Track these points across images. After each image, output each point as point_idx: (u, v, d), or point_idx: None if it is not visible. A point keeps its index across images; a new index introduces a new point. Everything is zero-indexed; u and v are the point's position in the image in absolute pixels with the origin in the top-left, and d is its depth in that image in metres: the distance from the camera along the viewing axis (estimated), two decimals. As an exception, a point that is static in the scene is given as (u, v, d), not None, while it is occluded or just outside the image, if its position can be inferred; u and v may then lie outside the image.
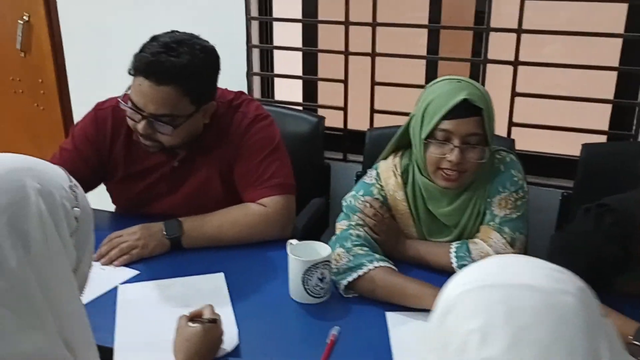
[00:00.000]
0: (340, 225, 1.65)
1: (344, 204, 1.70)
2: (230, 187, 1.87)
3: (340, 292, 1.54)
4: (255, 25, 2.64)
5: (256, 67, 2.70)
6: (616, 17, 2.31)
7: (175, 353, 1.25)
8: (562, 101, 2.35)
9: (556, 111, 2.45)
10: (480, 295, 0.71)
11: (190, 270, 1.65)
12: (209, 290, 1.56)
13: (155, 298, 1.53)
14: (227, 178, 1.86)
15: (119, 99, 1.73)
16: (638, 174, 1.45)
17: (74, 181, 0.96)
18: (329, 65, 2.78)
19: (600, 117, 2.42)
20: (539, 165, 2.36)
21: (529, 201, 1.66)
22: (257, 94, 2.74)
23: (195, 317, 1.31)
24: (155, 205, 1.90)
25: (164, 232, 1.73)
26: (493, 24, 2.31)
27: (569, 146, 2.39)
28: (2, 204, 0.81)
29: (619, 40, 2.25)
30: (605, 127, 2.37)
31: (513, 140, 2.17)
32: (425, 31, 2.54)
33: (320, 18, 2.63)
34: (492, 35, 2.32)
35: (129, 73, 1.67)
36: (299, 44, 2.70)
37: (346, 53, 2.53)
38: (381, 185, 1.69)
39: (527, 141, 2.34)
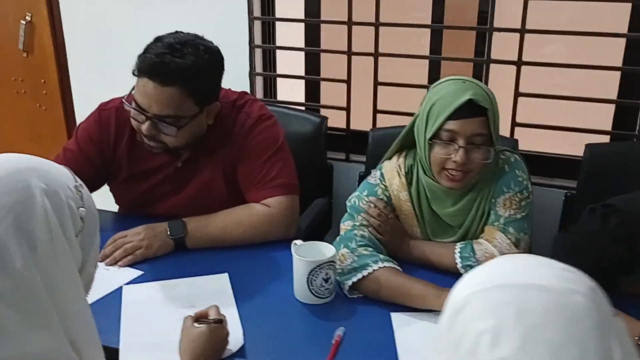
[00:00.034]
0: (345, 225, 1.65)
1: (348, 204, 1.70)
2: (234, 188, 1.87)
3: (345, 293, 1.54)
4: (257, 25, 2.64)
5: (259, 67, 2.70)
6: (617, 17, 2.31)
7: (181, 354, 1.25)
8: (565, 101, 2.35)
9: (559, 111, 2.45)
10: (491, 295, 0.71)
11: (194, 271, 1.65)
12: (214, 291, 1.56)
13: (160, 298, 1.53)
14: (231, 178, 1.86)
15: (123, 100, 1.73)
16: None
17: (79, 181, 0.96)
18: (331, 66, 2.78)
19: (603, 117, 2.42)
20: (542, 165, 2.36)
21: (533, 201, 1.66)
22: (259, 94, 2.74)
23: (200, 318, 1.31)
24: (159, 206, 1.90)
25: (168, 233, 1.73)
26: (495, 24, 2.31)
27: (572, 146, 2.39)
28: (7, 204, 0.80)
29: (622, 40, 2.25)
30: (609, 127, 2.37)
31: (516, 141, 2.17)
32: (427, 31, 2.54)
33: (322, 18, 2.63)
34: (494, 35, 2.32)
35: (133, 74, 1.67)
36: (302, 44, 2.70)
37: (349, 53, 2.53)
38: (385, 186, 1.69)
39: (530, 141, 2.34)
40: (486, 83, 2.36)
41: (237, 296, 1.54)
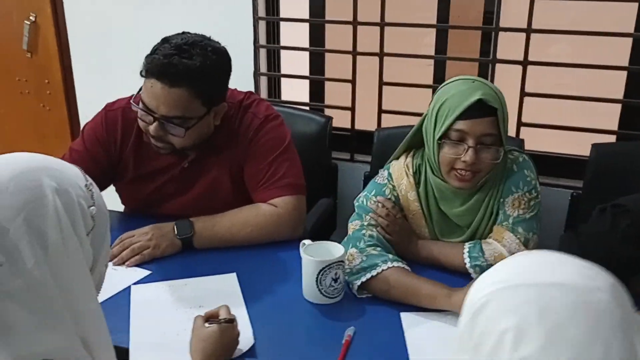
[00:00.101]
0: (353, 225, 1.65)
1: (356, 204, 1.70)
2: (240, 188, 1.86)
3: (354, 293, 1.54)
4: (262, 25, 2.64)
5: (263, 67, 2.70)
6: (621, 17, 2.30)
7: (191, 353, 1.25)
8: (571, 101, 2.35)
9: (565, 111, 2.45)
10: (512, 294, 0.71)
11: (201, 271, 1.65)
12: (222, 291, 1.56)
13: (168, 298, 1.53)
14: (237, 178, 1.86)
15: (131, 101, 1.73)
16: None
17: (90, 180, 0.96)
18: (335, 66, 2.78)
19: (609, 117, 2.42)
20: (548, 165, 2.36)
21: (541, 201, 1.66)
22: (263, 94, 2.74)
23: (211, 318, 1.31)
24: (165, 206, 1.90)
25: (176, 232, 1.73)
26: (499, 24, 2.31)
27: (578, 146, 2.39)
28: (19, 203, 0.80)
29: (627, 40, 2.24)
30: (615, 127, 2.36)
31: (522, 140, 2.17)
32: (430, 31, 2.54)
33: (327, 18, 2.63)
34: (499, 35, 2.32)
35: (141, 74, 1.67)
36: (306, 44, 2.70)
37: (354, 53, 2.53)
38: (393, 186, 1.69)
39: (535, 141, 2.34)
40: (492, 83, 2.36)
41: (245, 296, 1.54)
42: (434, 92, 2.51)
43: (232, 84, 1.86)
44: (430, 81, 2.56)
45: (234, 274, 1.63)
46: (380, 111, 2.56)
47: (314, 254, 1.50)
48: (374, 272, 1.50)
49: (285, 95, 2.85)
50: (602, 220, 1.47)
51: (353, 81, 2.56)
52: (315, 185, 2.10)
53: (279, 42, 2.74)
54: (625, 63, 2.28)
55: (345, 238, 1.63)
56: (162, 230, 1.74)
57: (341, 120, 2.59)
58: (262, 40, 2.66)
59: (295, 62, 2.81)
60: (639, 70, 2.25)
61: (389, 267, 1.50)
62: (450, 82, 1.59)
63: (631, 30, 2.23)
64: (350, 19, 2.48)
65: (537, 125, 2.37)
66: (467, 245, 1.60)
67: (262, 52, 2.68)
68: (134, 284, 1.59)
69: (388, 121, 2.50)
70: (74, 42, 2.97)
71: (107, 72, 2.91)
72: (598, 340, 0.66)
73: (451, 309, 1.42)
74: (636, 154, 2.10)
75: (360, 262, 1.53)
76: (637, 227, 1.40)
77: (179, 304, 1.50)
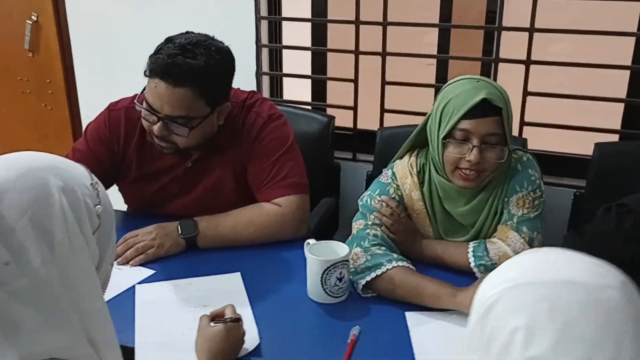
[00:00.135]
0: (357, 224, 1.65)
1: (360, 203, 1.70)
2: (243, 187, 1.86)
3: (359, 292, 1.54)
4: (264, 24, 2.64)
5: (265, 67, 2.70)
6: (622, 16, 2.31)
7: (197, 353, 1.25)
8: (573, 100, 2.35)
9: (566, 110, 2.46)
10: (522, 292, 0.71)
11: (205, 270, 1.65)
12: (227, 290, 1.56)
13: (173, 298, 1.53)
14: (241, 178, 1.86)
15: (135, 101, 1.73)
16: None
17: (95, 179, 0.96)
18: (337, 65, 2.78)
19: (611, 116, 2.42)
20: (551, 164, 2.36)
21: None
22: (266, 93, 2.74)
23: (216, 317, 1.31)
24: (169, 206, 1.90)
25: (180, 232, 1.73)
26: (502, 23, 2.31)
27: (580, 145, 2.39)
28: (25, 202, 0.81)
29: (629, 39, 2.24)
30: (618, 127, 2.36)
31: (525, 140, 2.17)
32: (430, 30, 2.54)
33: (329, 17, 2.63)
34: (501, 34, 2.32)
35: (145, 74, 1.67)
36: (308, 44, 2.70)
37: (356, 52, 2.53)
38: (397, 185, 1.69)
39: (538, 140, 2.34)
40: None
41: (250, 295, 1.54)
42: (436, 91, 2.53)
43: (234, 84, 1.86)
44: (430, 80, 2.56)
45: (238, 274, 1.63)
46: (383, 110, 2.56)
47: (319, 254, 1.50)
48: (378, 272, 1.50)
49: (287, 95, 2.85)
50: (606, 219, 1.47)
51: (355, 80, 2.56)
52: (317, 184, 2.10)
53: (281, 41, 2.74)
54: (626, 62, 2.27)
55: (350, 237, 1.63)
56: (166, 229, 1.74)
57: (343, 119, 2.59)
58: (264, 39, 2.66)
59: (297, 62, 2.81)
60: (642, 70, 2.25)
61: (393, 267, 1.50)
62: (455, 81, 1.59)
63: (634, 29, 2.23)
64: (352, 18, 2.48)
65: (540, 125, 2.37)
66: (471, 244, 1.60)
67: (264, 52, 2.68)
68: (139, 283, 1.59)
69: (390, 120, 2.50)
70: (76, 41, 2.97)
71: (109, 72, 2.91)
72: (609, 338, 0.66)
73: (456, 308, 1.43)
74: (639, 153, 2.10)
75: (364, 262, 1.53)
76: (640, 227, 1.40)
77: (184, 304, 1.50)
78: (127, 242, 1.71)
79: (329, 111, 2.67)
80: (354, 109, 2.60)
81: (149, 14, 2.75)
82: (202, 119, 1.70)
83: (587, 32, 2.24)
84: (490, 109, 1.51)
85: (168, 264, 1.68)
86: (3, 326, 0.78)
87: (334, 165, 2.50)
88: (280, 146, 1.84)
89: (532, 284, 0.71)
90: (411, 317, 1.45)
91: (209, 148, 1.82)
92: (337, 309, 1.49)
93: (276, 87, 2.80)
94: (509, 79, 2.41)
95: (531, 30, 2.25)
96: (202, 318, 1.31)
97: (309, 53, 2.71)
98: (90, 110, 2.99)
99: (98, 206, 0.92)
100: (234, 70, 1.76)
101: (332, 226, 2.37)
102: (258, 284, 1.59)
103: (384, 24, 2.45)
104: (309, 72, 2.75)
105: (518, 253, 1.48)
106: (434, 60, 2.61)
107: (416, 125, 1.70)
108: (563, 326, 0.67)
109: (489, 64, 2.40)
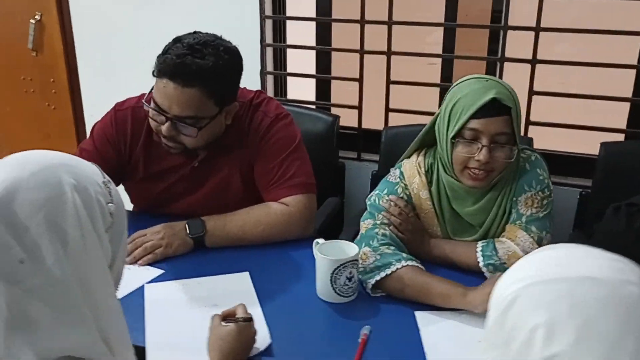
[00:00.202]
0: (365, 224, 1.65)
1: (367, 202, 1.70)
2: (250, 187, 1.86)
3: (368, 291, 1.54)
4: (269, 23, 2.64)
5: (270, 66, 2.70)
6: (625, 15, 2.31)
7: (209, 352, 1.25)
8: (578, 100, 2.35)
9: (572, 110, 2.46)
10: (542, 289, 0.71)
11: (213, 270, 1.65)
12: (236, 290, 1.56)
13: (182, 298, 1.53)
14: (248, 178, 1.86)
15: (143, 101, 1.73)
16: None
17: (107, 177, 0.96)
18: (340, 64, 2.78)
19: (617, 115, 2.42)
20: (557, 164, 2.34)
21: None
22: (270, 93, 2.74)
23: (228, 317, 1.31)
24: (175, 206, 1.90)
25: (188, 231, 1.73)
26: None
27: (585, 145, 2.39)
28: (39, 200, 0.81)
29: (634, 38, 2.24)
30: (623, 126, 2.36)
31: (531, 139, 2.18)
32: (434, 30, 2.54)
33: (334, 16, 2.63)
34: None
35: (153, 74, 1.66)
36: (313, 43, 2.70)
37: (361, 52, 2.53)
38: (405, 184, 1.69)
39: (544, 140, 2.34)
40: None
41: (259, 295, 1.54)
42: (441, 91, 2.54)
43: (239, 83, 1.86)
44: (432, 79, 2.56)
45: (247, 273, 1.63)
46: (388, 110, 2.56)
47: (328, 253, 1.50)
48: (388, 271, 1.50)
49: (291, 94, 2.85)
50: (616, 219, 1.47)
51: (360, 80, 2.56)
52: (322, 184, 2.10)
53: (285, 40, 2.73)
54: (633, 61, 2.27)
55: (358, 236, 1.63)
56: (174, 229, 1.74)
57: (348, 119, 2.59)
58: (269, 39, 2.65)
59: (301, 61, 2.81)
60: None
61: (403, 266, 1.50)
62: (464, 80, 1.59)
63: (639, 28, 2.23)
64: (357, 17, 2.48)
65: (545, 124, 2.37)
66: (480, 244, 1.60)
67: (269, 51, 2.68)
68: (148, 282, 1.59)
69: (393, 120, 2.50)
70: (80, 40, 2.96)
71: (113, 71, 2.91)
72: (630, 334, 0.66)
73: (466, 307, 1.43)
74: (645, 153, 2.10)
75: (374, 261, 1.53)
76: (651, 226, 1.40)
77: (194, 303, 1.51)
78: (135, 242, 1.71)
79: (334, 111, 2.67)
80: (359, 108, 2.60)
81: (152, 13, 2.75)
82: (210, 119, 1.69)
83: (593, 32, 2.24)
84: (499, 109, 1.51)
85: (176, 264, 1.68)
86: (20, 324, 0.79)
87: (338, 164, 2.50)
88: (288, 146, 1.84)
89: (552, 281, 0.71)
90: (421, 316, 1.45)
91: (215, 148, 1.82)
92: (347, 309, 1.49)
93: (280, 86, 2.80)
94: (515, 78, 2.40)
95: (537, 29, 2.25)
96: (214, 317, 1.31)
97: (313, 52, 2.71)
98: (93, 109, 3.01)
99: (110, 204, 0.92)
100: (241, 70, 1.76)
101: (337, 226, 2.37)
102: (267, 284, 1.59)
103: (389, 23, 2.45)
104: (313, 72, 2.75)
105: (527, 253, 1.47)
106: (436, 60, 2.61)
107: (421, 125, 1.70)
108: (583, 323, 0.67)
109: (494, 63, 2.40)
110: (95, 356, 0.84)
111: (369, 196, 1.71)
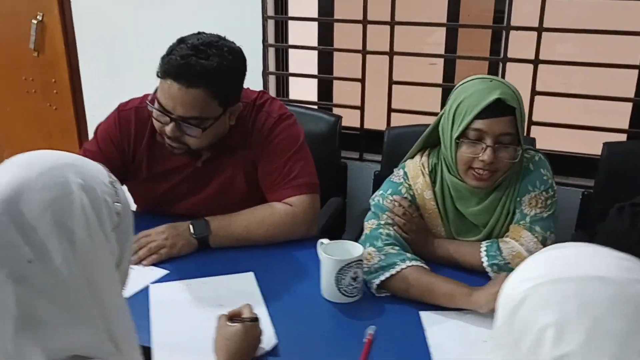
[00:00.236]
0: (369, 224, 1.65)
1: (371, 202, 1.70)
2: (253, 187, 1.87)
3: (372, 292, 1.54)
4: (271, 24, 2.64)
5: (272, 66, 2.70)
6: (626, 15, 2.31)
7: (216, 352, 1.25)
8: (580, 100, 2.35)
9: (574, 110, 2.46)
10: (552, 289, 0.71)
11: (218, 270, 1.65)
12: (241, 290, 1.56)
13: (188, 298, 1.53)
14: (251, 178, 1.86)
15: (147, 101, 1.73)
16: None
17: (113, 177, 0.96)
18: (344, 64, 2.78)
19: (619, 115, 2.42)
20: (559, 164, 2.34)
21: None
22: (272, 93, 2.74)
23: (234, 317, 1.31)
24: (178, 206, 1.90)
25: (192, 232, 1.73)
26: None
27: (587, 145, 2.40)
28: (46, 200, 0.81)
29: (637, 38, 2.24)
30: (625, 126, 2.37)
31: (533, 139, 2.18)
32: (435, 30, 2.54)
33: (336, 17, 2.63)
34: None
35: (157, 75, 1.66)
36: (315, 43, 2.70)
37: (364, 52, 2.53)
38: (409, 185, 1.69)
39: (546, 140, 2.35)
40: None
41: (264, 295, 1.54)
42: (444, 91, 2.54)
43: (240, 83, 1.86)
44: (433, 79, 2.56)
45: (252, 273, 1.63)
46: (390, 110, 2.56)
47: (333, 253, 1.50)
48: (392, 271, 1.50)
49: (293, 95, 2.85)
50: (620, 219, 1.47)
51: (362, 80, 2.56)
52: (324, 184, 2.10)
53: (287, 41, 2.74)
54: (635, 62, 2.28)
55: (362, 237, 1.64)
56: (178, 229, 1.74)
57: (350, 119, 2.59)
58: (271, 39, 2.66)
59: (304, 61, 2.81)
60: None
61: (407, 266, 1.50)
62: (468, 81, 1.59)
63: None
64: (359, 17, 2.48)
65: (547, 124, 2.37)
66: (484, 244, 1.61)
67: (271, 51, 2.68)
68: (152, 283, 1.59)
69: (396, 120, 2.50)
70: (81, 41, 2.96)
71: (115, 72, 2.91)
72: (639, 333, 0.66)
73: (471, 307, 1.43)
74: (647, 153, 2.10)
75: (378, 261, 1.53)
76: (656, 226, 1.40)
77: (199, 303, 1.51)
78: (139, 242, 1.71)
79: (336, 111, 2.67)
80: (361, 108, 2.60)
81: (154, 13, 2.75)
82: (214, 119, 1.70)
83: (596, 32, 2.24)
84: (504, 109, 1.51)
85: (181, 264, 1.68)
86: (29, 323, 0.79)
87: (341, 165, 2.50)
88: (291, 146, 1.84)
89: (561, 281, 0.71)
90: (426, 316, 1.45)
91: (219, 148, 1.82)
92: (352, 309, 1.49)
93: (282, 86, 2.80)
94: (517, 78, 2.40)
95: (539, 29, 2.25)
96: (220, 317, 1.31)
97: (315, 52, 2.71)
98: (95, 110, 3.01)
99: (117, 204, 0.92)
100: (245, 70, 1.76)
101: (339, 226, 2.38)
102: (271, 284, 1.59)
103: (392, 23, 2.45)
104: (315, 72, 2.76)
105: (531, 253, 1.49)
106: (437, 60, 2.62)
107: (424, 125, 1.71)
108: (593, 322, 0.67)
109: (496, 63, 2.40)
110: (103, 356, 0.84)
111: (372, 196, 1.72)
